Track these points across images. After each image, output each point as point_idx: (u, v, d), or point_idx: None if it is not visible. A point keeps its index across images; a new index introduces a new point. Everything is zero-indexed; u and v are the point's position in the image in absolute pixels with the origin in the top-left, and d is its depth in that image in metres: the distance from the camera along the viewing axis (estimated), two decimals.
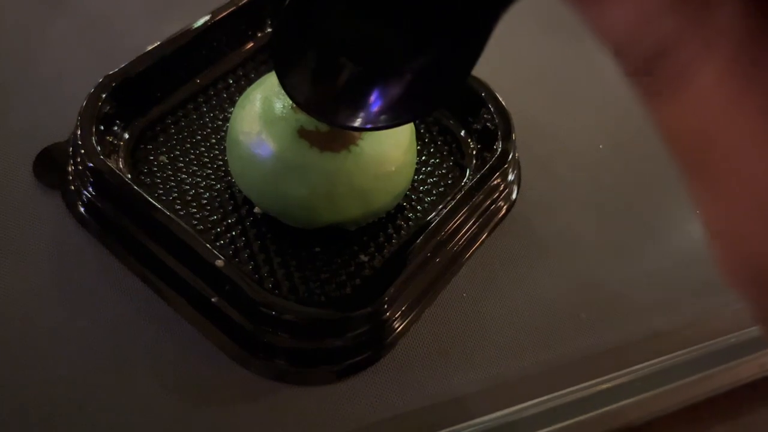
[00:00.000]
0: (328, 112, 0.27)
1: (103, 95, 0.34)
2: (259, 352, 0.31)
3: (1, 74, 0.38)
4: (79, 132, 0.33)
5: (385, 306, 0.31)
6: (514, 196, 0.38)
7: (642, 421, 0.32)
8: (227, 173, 0.35)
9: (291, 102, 0.31)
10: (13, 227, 0.33)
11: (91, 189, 0.33)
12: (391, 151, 0.32)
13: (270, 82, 0.33)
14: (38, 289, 0.32)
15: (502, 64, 0.43)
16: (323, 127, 0.31)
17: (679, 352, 0.35)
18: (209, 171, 0.35)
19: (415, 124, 0.35)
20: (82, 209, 0.33)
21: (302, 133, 0.31)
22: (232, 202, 0.34)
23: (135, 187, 0.31)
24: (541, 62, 0.46)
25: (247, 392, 0.30)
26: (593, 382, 0.33)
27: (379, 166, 0.31)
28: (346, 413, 0.31)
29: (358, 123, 0.26)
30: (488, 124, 0.37)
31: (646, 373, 0.34)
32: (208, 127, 0.37)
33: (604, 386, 0.33)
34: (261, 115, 0.31)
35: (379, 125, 0.27)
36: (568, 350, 0.34)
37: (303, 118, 0.31)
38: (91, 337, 0.31)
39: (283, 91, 0.32)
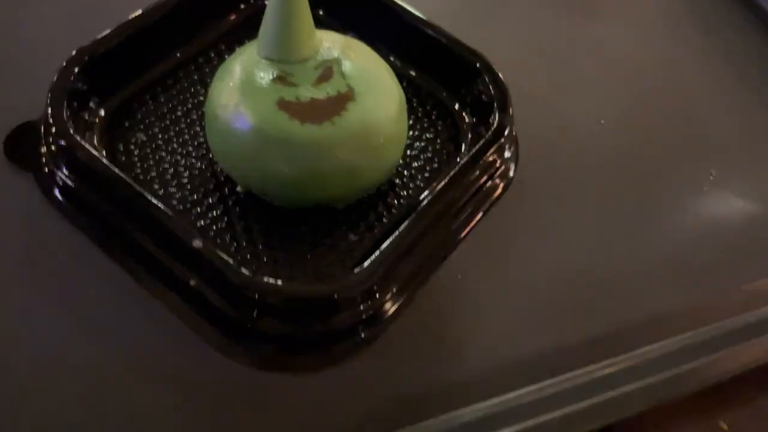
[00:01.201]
0: None
1: (75, 69, 0.32)
2: (243, 339, 0.29)
3: None
4: (49, 109, 0.31)
5: (375, 287, 0.29)
6: (511, 173, 0.36)
7: (646, 407, 0.31)
8: (209, 150, 0.33)
9: (271, 72, 0.30)
10: None
11: (63, 168, 0.31)
12: (378, 121, 0.30)
13: (249, 52, 0.31)
14: (7, 274, 0.30)
15: (498, 37, 0.42)
16: (304, 98, 0.29)
17: (683, 336, 0.33)
18: (190, 149, 0.34)
19: (406, 96, 0.33)
20: (54, 190, 0.32)
21: (282, 104, 0.29)
22: (213, 180, 0.33)
23: (108, 165, 0.29)
24: (538, 35, 0.44)
25: (231, 382, 0.29)
26: (595, 366, 0.32)
27: (365, 138, 0.30)
28: (336, 401, 0.29)
29: None
30: (483, 97, 0.35)
31: (648, 357, 0.32)
32: (189, 103, 0.35)
33: (606, 371, 0.32)
34: (239, 87, 0.30)
35: None
36: (569, 334, 0.32)
37: (283, 89, 0.29)
38: (64, 326, 0.29)
39: (262, 62, 0.30)
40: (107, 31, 0.33)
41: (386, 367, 0.30)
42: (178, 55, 0.36)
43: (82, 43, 0.33)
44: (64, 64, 0.32)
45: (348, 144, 0.29)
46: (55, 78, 0.32)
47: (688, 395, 0.31)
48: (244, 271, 0.28)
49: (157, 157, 0.33)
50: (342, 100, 0.30)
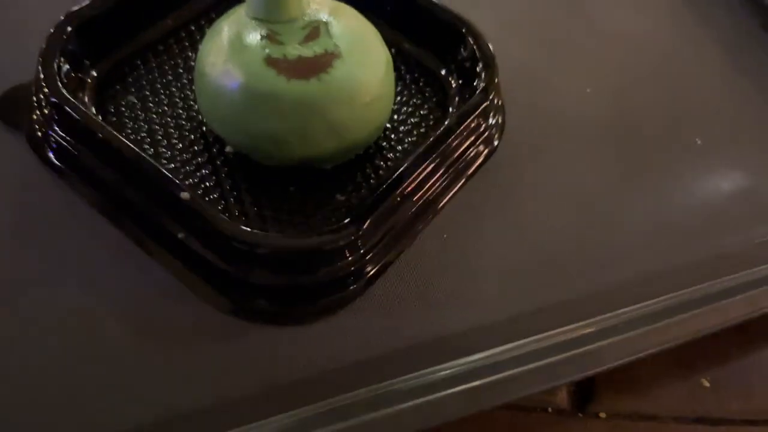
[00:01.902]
0: None
1: (67, 30, 0.33)
2: (231, 292, 0.29)
3: None
4: (40, 67, 0.31)
5: (360, 241, 0.30)
6: (496, 141, 0.36)
7: (626, 361, 0.31)
8: (199, 113, 0.34)
9: (259, 31, 0.30)
10: None
11: (55, 126, 0.31)
12: (365, 80, 0.30)
13: (238, 13, 0.31)
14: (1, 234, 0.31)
15: (485, 6, 0.42)
16: (291, 55, 0.30)
17: (668, 296, 0.34)
18: (180, 111, 0.34)
19: (393, 63, 0.34)
20: (45, 148, 0.32)
21: (269, 61, 0.29)
22: (202, 141, 0.33)
23: (98, 121, 0.30)
24: (524, 5, 0.45)
25: (220, 335, 0.29)
26: (579, 324, 0.32)
27: (352, 96, 0.30)
28: (324, 354, 0.29)
29: None
30: (470, 63, 0.36)
31: (633, 315, 0.33)
32: (180, 68, 0.36)
33: (590, 329, 0.32)
34: (227, 45, 0.30)
35: None
36: (554, 293, 0.33)
37: (271, 47, 0.30)
38: (52, 279, 0.30)
39: (250, 22, 0.31)
40: None
41: (371, 322, 0.30)
42: (170, 21, 0.37)
43: (72, 8, 0.34)
44: (56, 24, 0.33)
45: (335, 101, 0.30)
46: (46, 38, 0.32)
47: (670, 350, 0.31)
48: (234, 222, 0.28)
49: (147, 119, 0.34)
50: (329, 58, 0.30)
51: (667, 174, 0.38)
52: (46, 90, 0.31)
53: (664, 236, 0.35)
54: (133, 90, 0.34)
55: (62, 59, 0.32)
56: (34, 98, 0.32)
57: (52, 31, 0.33)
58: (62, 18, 0.33)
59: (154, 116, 0.34)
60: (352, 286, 0.30)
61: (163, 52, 0.36)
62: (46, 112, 0.32)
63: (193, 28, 0.37)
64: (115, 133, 0.30)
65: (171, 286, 0.30)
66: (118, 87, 0.34)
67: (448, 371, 0.30)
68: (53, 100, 0.31)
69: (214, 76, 0.30)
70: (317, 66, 0.30)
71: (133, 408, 0.27)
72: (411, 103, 0.36)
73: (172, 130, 0.33)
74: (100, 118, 0.32)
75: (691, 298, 0.33)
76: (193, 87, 0.34)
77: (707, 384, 0.32)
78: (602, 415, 0.31)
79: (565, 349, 0.31)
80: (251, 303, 0.30)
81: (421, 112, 0.36)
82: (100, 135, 0.30)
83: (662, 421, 0.31)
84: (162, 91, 0.35)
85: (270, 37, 0.30)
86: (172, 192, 0.28)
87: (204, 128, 0.34)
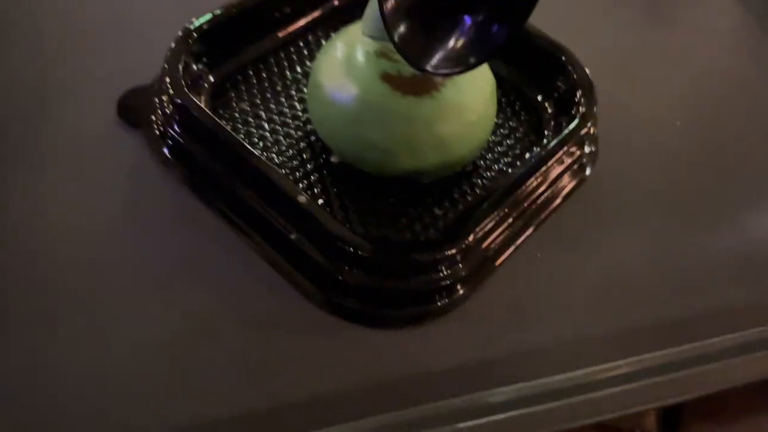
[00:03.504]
0: (417, 54, 0.27)
1: (191, 38, 0.35)
2: (332, 290, 0.31)
3: (93, 16, 0.40)
4: (167, 69, 0.33)
5: (458, 255, 0.31)
6: (589, 168, 0.37)
7: (716, 390, 0.31)
8: (306, 123, 0.35)
9: (374, 48, 0.32)
10: (93, 161, 0.34)
11: (175, 126, 0.33)
12: (472, 100, 0.32)
13: (352, 31, 0.33)
14: (111, 221, 0.33)
15: (578, 36, 0.43)
16: (406, 72, 0.31)
17: (759, 329, 0.34)
18: (288, 120, 0.36)
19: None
20: (162, 146, 0.34)
21: (385, 77, 0.31)
22: (310, 150, 0.35)
23: (218, 121, 0.32)
24: (618, 36, 0.46)
25: (315, 329, 0.31)
26: (671, 350, 0.32)
27: (459, 114, 0.31)
28: (412, 360, 0.30)
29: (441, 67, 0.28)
30: (567, 90, 0.37)
31: (725, 345, 0.33)
32: (288, 79, 0.38)
33: (682, 356, 0.32)
34: (344, 60, 0.32)
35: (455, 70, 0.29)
36: (643, 317, 0.33)
37: (386, 64, 0.31)
38: (162, 270, 0.31)
39: (365, 40, 0.32)
40: (218, 9, 0.36)
41: (461, 335, 0.31)
42: (280, 35, 0.39)
43: (186, 22, 0.36)
44: (182, 32, 0.35)
45: (443, 118, 0.31)
46: (172, 44, 0.34)
47: (760, 383, 0.31)
48: (341, 225, 0.29)
49: (258, 126, 0.35)
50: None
51: (757, 209, 0.38)
52: (171, 91, 0.33)
53: (754, 270, 0.36)
54: (245, 98, 0.36)
55: (185, 64, 0.34)
56: (156, 99, 0.34)
57: (180, 34, 0.35)
58: (187, 25, 0.35)
59: (265, 123, 0.36)
60: (447, 297, 0.31)
61: (273, 65, 0.38)
62: (167, 111, 0.33)
63: (301, 43, 0.39)
64: (236, 136, 0.31)
65: (273, 281, 0.31)
66: (232, 94, 0.36)
67: (540, 386, 0.30)
68: (177, 101, 0.33)
69: (331, 87, 0.32)
70: (430, 84, 0.31)
71: (227, 396, 0.29)
72: (507, 125, 0.38)
73: (282, 138, 0.35)
74: None
75: None
76: (302, 98, 0.36)
77: None
78: None
79: (657, 373, 0.31)
80: (346, 302, 0.31)
81: (517, 135, 0.37)
82: (222, 138, 0.31)
83: None
84: (272, 100, 0.36)
85: (386, 55, 0.32)
86: (288, 195, 0.30)
87: (310, 138, 0.35)
